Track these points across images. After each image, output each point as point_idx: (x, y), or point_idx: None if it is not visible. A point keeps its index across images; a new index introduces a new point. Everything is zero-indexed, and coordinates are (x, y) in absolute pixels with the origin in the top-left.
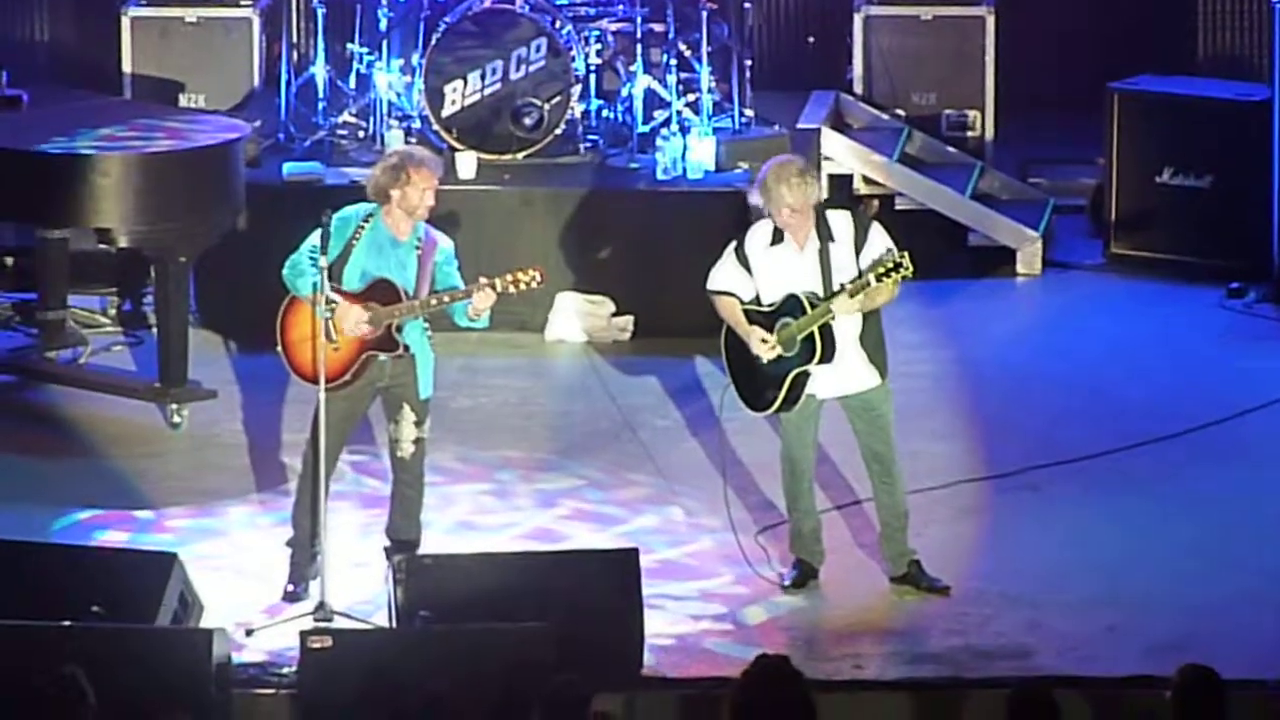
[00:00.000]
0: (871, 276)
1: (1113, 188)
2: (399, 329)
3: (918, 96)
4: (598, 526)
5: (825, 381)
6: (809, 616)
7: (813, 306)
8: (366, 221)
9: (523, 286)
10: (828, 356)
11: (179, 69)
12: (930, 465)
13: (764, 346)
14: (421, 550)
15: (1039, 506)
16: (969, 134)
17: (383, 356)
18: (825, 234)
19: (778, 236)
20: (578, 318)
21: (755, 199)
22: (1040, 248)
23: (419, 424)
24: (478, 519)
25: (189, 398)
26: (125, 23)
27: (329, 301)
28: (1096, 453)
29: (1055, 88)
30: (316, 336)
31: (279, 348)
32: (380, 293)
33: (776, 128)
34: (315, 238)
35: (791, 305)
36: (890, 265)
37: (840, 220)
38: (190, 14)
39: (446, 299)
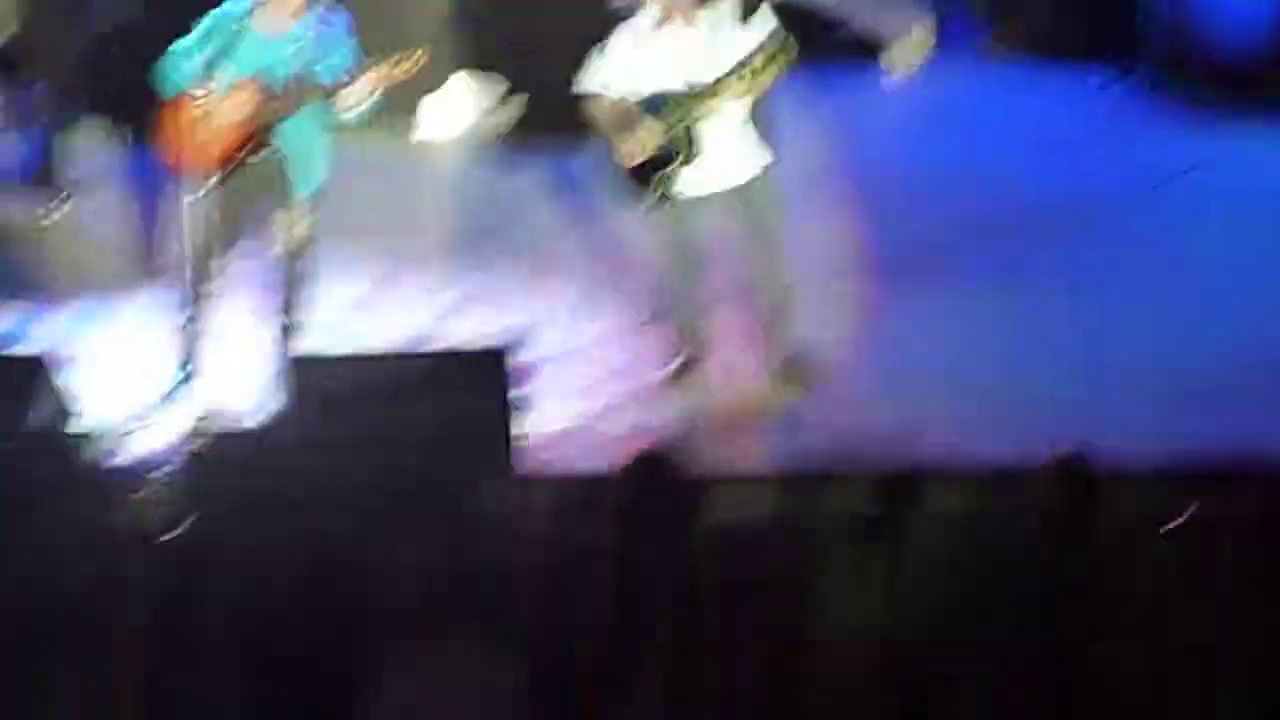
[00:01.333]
0: (758, 62)
1: None
2: (276, 124)
3: None
4: (478, 322)
5: (700, 177)
6: (688, 411)
7: (679, 103)
8: (245, 15)
9: (402, 71)
10: (693, 155)
11: None
12: (811, 257)
13: (630, 150)
14: (302, 345)
15: (925, 298)
16: None
17: (261, 152)
18: (702, 19)
19: (656, 21)
20: (456, 110)
21: None
22: (919, 35)
23: (303, 217)
24: (357, 316)
25: (65, 193)
26: None
27: (204, 97)
28: (982, 237)
29: None
30: (189, 133)
31: (161, 139)
32: (258, 88)
33: None
34: (191, 34)
35: (658, 102)
36: (774, 51)
37: (725, 3)
38: None
39: (324, 90)
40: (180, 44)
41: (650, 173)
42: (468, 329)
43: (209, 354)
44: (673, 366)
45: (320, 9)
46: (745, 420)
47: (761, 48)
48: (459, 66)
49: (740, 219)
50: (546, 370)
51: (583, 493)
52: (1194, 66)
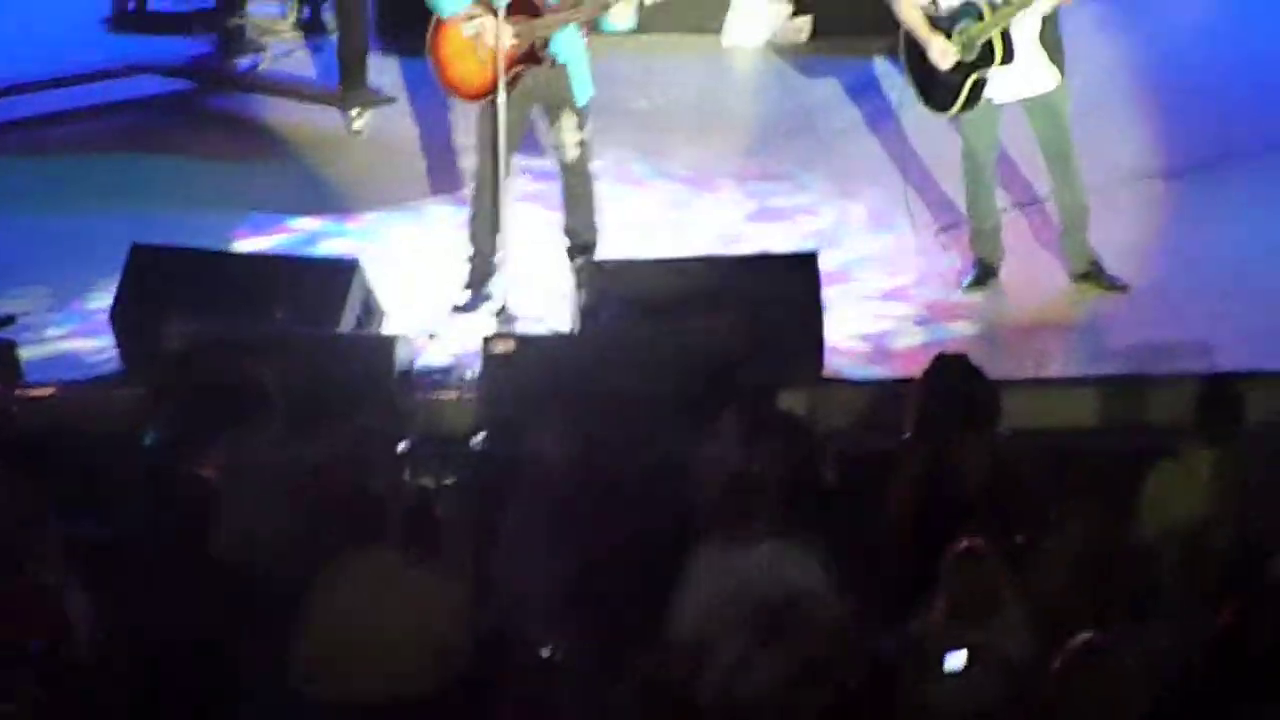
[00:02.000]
0: None
1: None
2: (545, 41)
3: None
4: (779, 227)
5: (1005, 84)
6: (991, 315)
7: (993, 9)
8: None
9: None
10: (1008, 59)
11: None
12: (1111, 162)
13: (943, 54)
14: (600, 250)
15: (1221, 201)
16: None
17: (533, 69)
18: None
19: None
20: (756, 18)
21: None
22: None
23: (580, 127)
24: (658, 221)
25: (369, 102)
26: None
27: (474, 16)
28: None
29: None
30: (466, 55)
31: (431, 66)
32: (524, 5)
33: None
34: None
35: (970, 9)
36: None
37: None
38: None
39: (589, 10)
40: None
41: (963, 75)
42: (771, 235)
43: (510, 260)
44: (971, 274)
45: None
46: (1044, 327)
47: None
48: None
49: (1041, 127)
50: (848, 277)
51: (884, 397)
52: None
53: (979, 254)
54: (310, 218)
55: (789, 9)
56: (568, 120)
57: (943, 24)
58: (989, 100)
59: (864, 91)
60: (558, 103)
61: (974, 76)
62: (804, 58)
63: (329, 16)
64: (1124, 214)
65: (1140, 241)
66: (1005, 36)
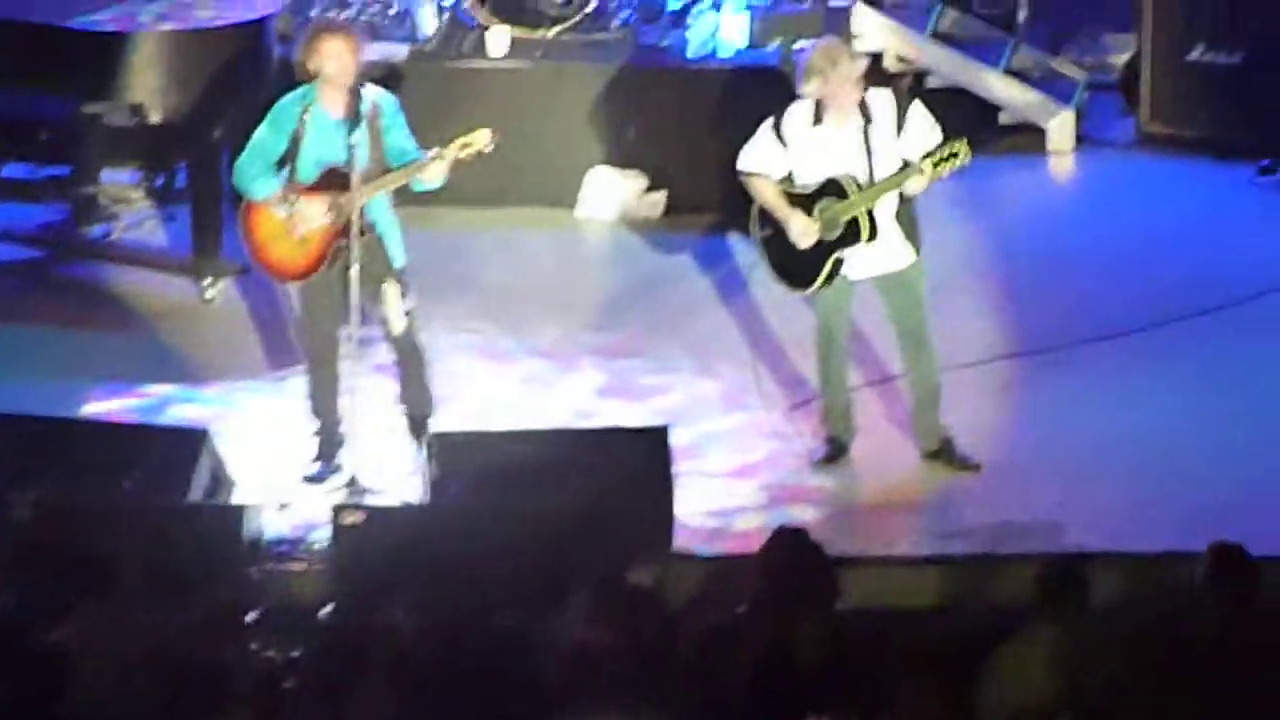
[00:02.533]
0: (929, 164)
1: (1145, 63)
2: (360, 212)
3: None
4: (630, 402)
5: (862, 261)
6: (841, 493)
7: (858, 189)
8: (306, 109)
9: (474, 149)
10: (874, 237)
11: None
12: (964, 342)
13: (804, 233)
14: (441, 421)
15: (1073, 383)
16: (1000, 10)
17: (351, 242)
18: (866, 114)
19: (818, 116)
20: (609, 194)
21: (802, 75)
22: (1072, 124)
23: (404, 295)
24: (509, 395)
25: (221, 272)
26: None
27: (288, 198)
28: (1131, 329)
29: None
30: (281, 234)
31: (248, 251)
32: (335, 180)
33: (808, 4)
34: (259, 134)
35: (833, 188)
36: (948, 154)
37: (880, 99)
38: None
39: (401, 176)
40: (251, 147)
41: (824, 253)
42: (624, 410)
43: (360, 431)
44: (823, 451)
45: (372, 91)
46: (894, 506)
47: (937, 148)
48: (605, 155)
49: (895, 304)
50: (698, 453)
51: (732, 573)
52: None
53: (831, 431)
54: (161, 386)
55: (643, 184)
56: (391, 290)
57: (801, 202)
58: (845, 277)
59: (718, 266)
60: (379, 274)
61: (835, 255)
62: (659, 233)
63: (183, 186)
64: (975, 394)
65: (990, 422)
66: (870, 215)
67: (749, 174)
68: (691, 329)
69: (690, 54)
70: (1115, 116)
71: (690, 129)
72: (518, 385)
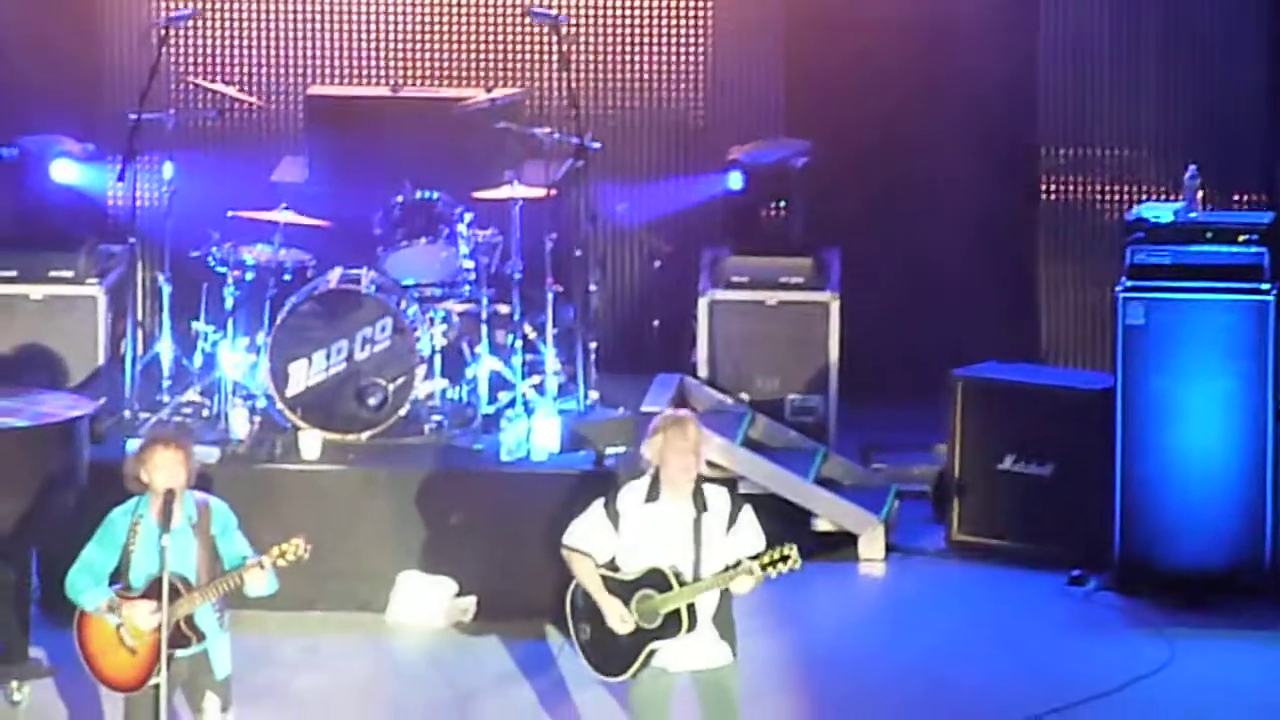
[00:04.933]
0: (764, 563)
1: (955, 474)
2: (189, 621)
3: (762, 380)
4: None
5: (679, 655)
6: None
7: (679, 582)
8: (136, 522)
9: (290, 557)
10: (693, 628)
11: (21, 345)
12: None
13: (622, 622)
14: None
15: None
16: (811, 419)
17: (181, 652)
18: (700, 504)
19: (653, 494)
20: (420, 598)
21: (646, 447)
22: (883, 533)
23: (224, 709)
24: None
25: (30, 674)
26: None
27: (113, 608)
28: None
29: (899, 374)
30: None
31: (81, 660)
32: (169, 585)
33: (621, 410)
34: (90, 549)
35: (655, 578)
36: (780, 556)
37: (717, 494)
38: (35, 290)
39: (224, 585)
40: (81, 561)
41: (641, 642)
42: None
43: None
44: None
45: (197, 499)
46: None
47: (766, 550)
48: (416, 559)
49: (710, 706)
50: None
51: None
52: (1154, 575)
53: None
54: None
55: (454, 588)
56: (211, 702)
57: (620, 589)
58: (662, 671)
59: (528, 672)
60: (201, 684)
61: (652, 645)
62: (468, 637)
63: None
64: None
65: None
66: (691, 609)
67: (572, 549)
68: None
69: (503, 458)
70: (926, 524)
71: (502, 533)
72: None
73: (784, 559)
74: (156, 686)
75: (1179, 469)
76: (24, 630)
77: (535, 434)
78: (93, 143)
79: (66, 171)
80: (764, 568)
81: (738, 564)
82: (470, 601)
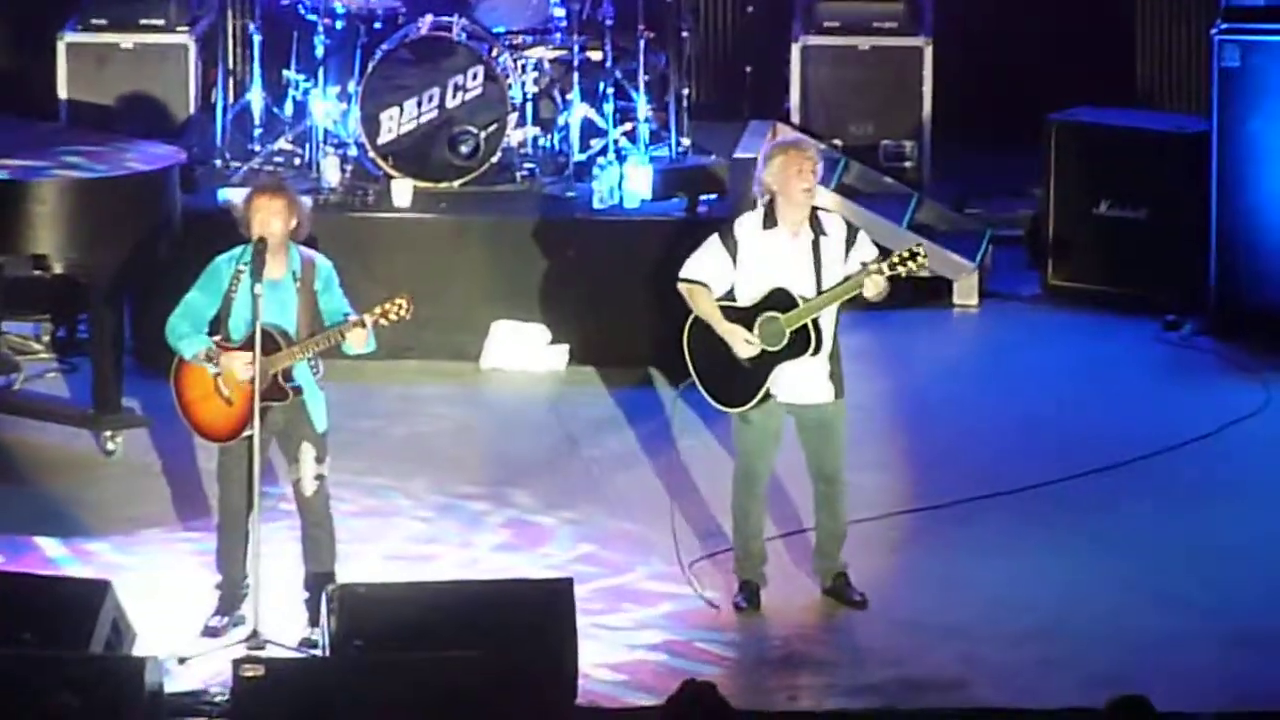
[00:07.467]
0: (894, 261)
1: (1050, 219)
2: (287, 375)
3: (855, 127)
4: (535, 556)
5: (793, 384)
6: (746, 646)
7: (804, 299)
8: (241, 267)
9: (392, 317)
10: (820, 348)
11: (115, 95)
12: (867, 496)
13: (748, 344)
14: (345, 573)
15: (975, 538)
16: (906, 164)
17: (276, 405)
18: (818, 227)
19: (769, 222)
20: (513, 346)
21: (764, 172)
22: (977, 279)
23: (319, 460)
24: (413, 548)
25: (123, 425)
26: (61, 49)
27: (213, 358)
28: (1033, 484)
29: (993, 119)
30: (211, 394)
31: (177, 408)
32: (263, 341)
33: (713, 157)
34: (193, 294)
35: (779, 297)
36: (908, 254)
37: (832, 220)
38: (127, 40)
39: (324, 341)
40: (183, 305)
41: (768, 366)
42: (529, 563)
43: (261, 584)
44: (738, 597)
45: (303, 254)
46: (797, 662)
47: (895, 252)
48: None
49: (813, 445)
50: (604, 606)
51: None
52: (1249, 318)
53: (745, 576)
54: (61, 539)
55: (547, 336)
56: (306, 453)
57: (742, 317)
58: (774, 404)
59: (619, 419)
60: (298, 435)
61: (777, 368)
62: (560, 385)
63: (84, 337)
64: (878, 547)
65: (893, 576)
66: (816, 325)
67: (691, 281)
68: (596, 480)
69: (596, 205)
70: (1020, 270)
71: (595, 280)
72: (421, 540)
73: (912, 256)
74: (250, 438)
75: (1274, 212)
76: (118, 380)
77: (627, 181)
78: None
79: None
80: (893, 266)
81: (863, 269)
82: (562, 349)
